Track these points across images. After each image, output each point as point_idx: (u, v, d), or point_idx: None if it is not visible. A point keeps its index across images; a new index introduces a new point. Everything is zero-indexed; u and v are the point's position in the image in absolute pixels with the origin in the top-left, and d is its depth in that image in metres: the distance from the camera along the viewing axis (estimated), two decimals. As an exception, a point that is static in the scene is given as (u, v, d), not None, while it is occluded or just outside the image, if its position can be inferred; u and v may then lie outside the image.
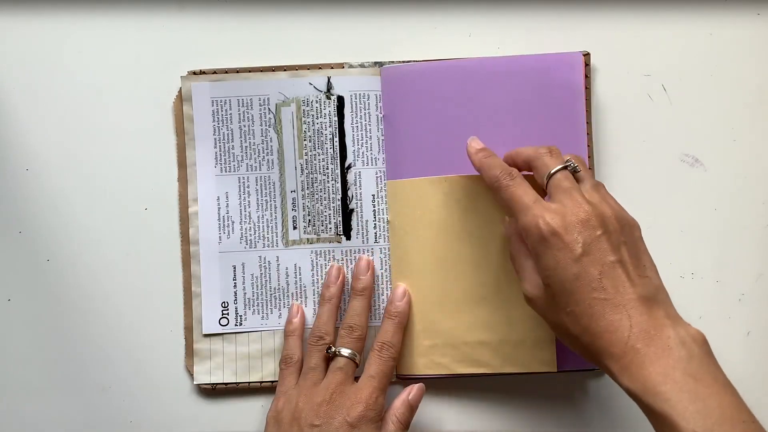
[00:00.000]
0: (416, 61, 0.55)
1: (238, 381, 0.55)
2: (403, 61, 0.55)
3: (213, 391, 0.56)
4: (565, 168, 0.46)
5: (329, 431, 0.48)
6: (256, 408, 0.56)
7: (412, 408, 0.51)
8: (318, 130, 0.55)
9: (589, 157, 0.55)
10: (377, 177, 0.55)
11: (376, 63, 0.55)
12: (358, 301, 0.53)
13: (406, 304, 0.54)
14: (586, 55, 0.55)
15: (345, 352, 0.51)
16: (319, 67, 0.55)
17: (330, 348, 0.52)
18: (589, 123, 0.55)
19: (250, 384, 0.55)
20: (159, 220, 0.56)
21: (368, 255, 0.55)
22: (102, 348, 0.56)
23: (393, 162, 0.55)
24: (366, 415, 0.49)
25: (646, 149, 0.56)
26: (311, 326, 0.54)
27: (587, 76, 0.55)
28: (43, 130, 0.56)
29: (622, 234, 0.44)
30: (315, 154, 0.56)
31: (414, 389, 0.51)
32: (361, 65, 0.55)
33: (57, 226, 0.56)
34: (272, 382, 0.55)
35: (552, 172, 0.46)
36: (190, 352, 0.55)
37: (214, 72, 0.55)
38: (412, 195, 0.54)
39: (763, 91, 0.56)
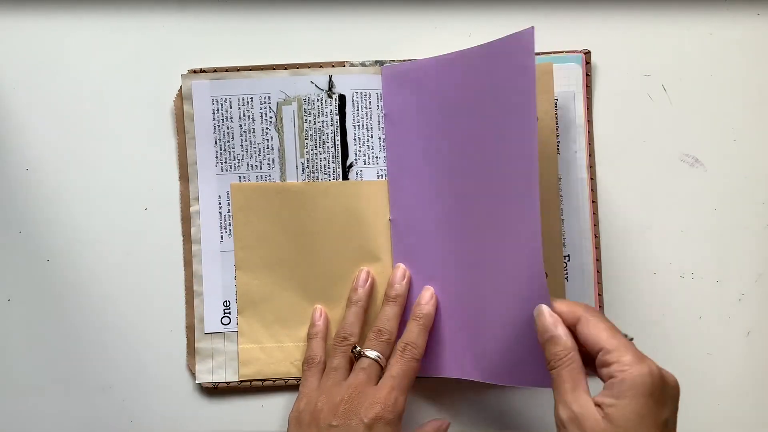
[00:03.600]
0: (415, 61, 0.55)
1: (240, 380, 0.55)
2: (404, 61, 0.55)
3: (215, 391, 0.55)
4: None
5: None
6: (257, 407, 0.55)
7: None
8: (320, 129, 0.55)
9: (589, 155, 0.55)
10: (378, 176, 0.55)
11: (376, 62, 0.55)
12: (390, 308, 0.53)
13: (432, 306, 0.53)
14: (587, 53, 0.55)
15: (370, 353, 0.51)
16: (320, 65, 0.55)
17: (355, 347, 0.51)
18: (589, 122, 0.55)
19: (252, 383, 0.55)
20: (159, 220, 0.56)
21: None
22: (102, 348, 0.56)
23: (395, 161, 0.55)
24: (382, 416, 0.47)
25: (646, 149, 0.56)
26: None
27: (588, 75, 0.55)
28: (43, 130, 0.56)
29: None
30: (316, 153, 0.55)
31: (444, 424, 0.52)
32: (362, 64, 0.55)
33: (57, 226, 0.56)
34: (274, 380, 0.55)
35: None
36: (191, 350, 0.55)
37: (215, 70, 0.55)
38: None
39: (763, 91, 0.56)
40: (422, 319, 0.52)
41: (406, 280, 0.54)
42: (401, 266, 0.54)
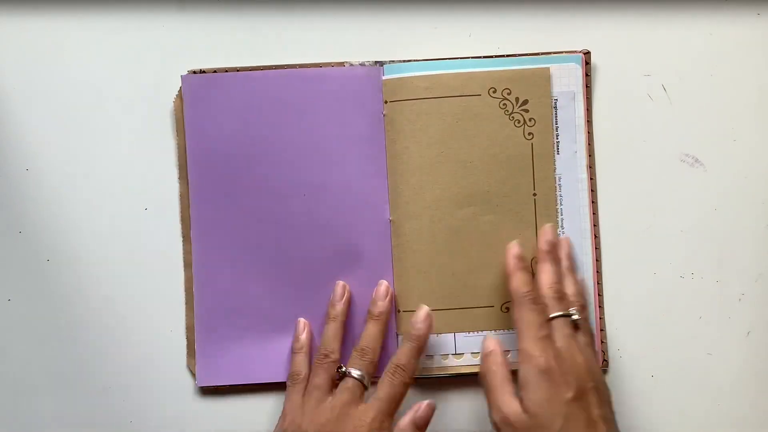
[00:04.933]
0: (416, 61, 0.55)
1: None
2: (404, 61, 0.55)
3: (215, 391, 0.55)
4: (566, 316, 0.49)
5: None
6: (257, 408, 0.55)
7: (419, 428, 0.50)
8: None
9: (589, 155, 0.55)
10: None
11: (376, 62, 0.55)
12: (374, 326, 0.52)
13: (428, 327, 0.52)
14: (587, 54, 0.55)
15: (355, 373, 0.50)
16: (320, 65, 0.55)
17: (341, 367, 0.51)
18: (589, 122, 0.55)
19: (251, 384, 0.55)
20: (159, 220, 0.56)
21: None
22: (102, 348, 0.56)
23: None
24: None
25: (646, 149, 0.56)
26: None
27: (588, 75, 0.55)
28: (43, 130, 0.56)
29: (605, 396, 0.49)
30: None
31: (422, 407, 0.51)
32: (362, 65, 0.55)
33: (57, 226, 0.56)
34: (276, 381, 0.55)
35: (553, 315, 0.49)
36: (191, 351, 0.55)
37: (215, 71, 0.55)
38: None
39: (763, 91, 0.56)
40: (417, 340, 0.52)
41: (389, 297, 0.54)
42: (384, 283, 0.54)
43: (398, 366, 0.51)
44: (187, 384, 0.56)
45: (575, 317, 0.49)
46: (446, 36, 0.56)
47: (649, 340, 0.56)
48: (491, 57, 0.55)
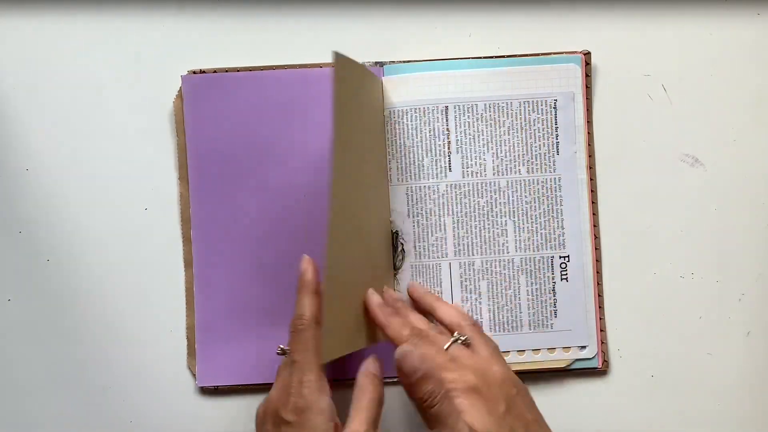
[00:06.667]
0: (416, 61, 0.55)
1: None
2: (404, 61, 0.55)
3: (215, 391, 0.56)
4: (456, 341, 0.48)
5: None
6: (257, 408, 0.55)
7: (377, 374, 0.47)
8: None
9: (589, 156, 0.55)
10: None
11: (376, 63, 0.55)
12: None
13: (312, 273, 0.50)
14: (587, 54, 0.55)
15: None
16: (320, 66, 0.55)
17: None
18: (589, 122, 0.55)
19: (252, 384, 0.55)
20: (159, 220, 0.56)
21: None
22: (102, 348, 0.56)
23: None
24: (291, 404, 0.45)
25: (646, 149, 0.56)
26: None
27: (588, 75, 0.55)
28: (43, 130, 0.56)
29: (528, 397, 0.48)
30: None
31: (368, 359, 0.47)
32: (362, 65, 0.55)
33: (57, 226, 0.56)
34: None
35: (446, 347, 0.47)
36: (192, 351, 0.55)
37: (215, 71, 0.55)
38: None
39: (763, 91, 0.56)
40: (304, 286, 0.50)
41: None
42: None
43: (295, 318, 0.49)
44: (187, 384, 0.56)
45: (464, 338, 0.48)
46: (446, 36, 0.56)
47: (649, 340, 0.56)
48: (491, 57, 0.55)
